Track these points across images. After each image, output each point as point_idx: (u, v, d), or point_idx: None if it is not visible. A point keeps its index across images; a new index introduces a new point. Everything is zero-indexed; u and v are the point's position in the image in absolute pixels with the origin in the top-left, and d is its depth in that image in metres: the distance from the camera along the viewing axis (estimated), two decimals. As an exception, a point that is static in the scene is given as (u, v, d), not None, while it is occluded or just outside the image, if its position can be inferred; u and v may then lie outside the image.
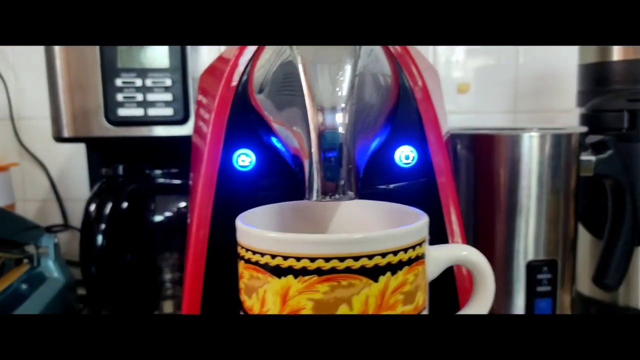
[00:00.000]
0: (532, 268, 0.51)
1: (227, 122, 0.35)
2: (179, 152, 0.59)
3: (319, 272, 0.25)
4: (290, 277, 0.26)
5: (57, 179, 0.83)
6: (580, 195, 0.53)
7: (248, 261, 0.28)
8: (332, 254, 0.25)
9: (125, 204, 0.55)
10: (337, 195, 0.28)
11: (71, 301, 0.66)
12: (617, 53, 0.59)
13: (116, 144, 0.58)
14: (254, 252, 0.27)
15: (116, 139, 0.56)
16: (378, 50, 0.34)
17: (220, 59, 0.40)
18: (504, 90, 0.82)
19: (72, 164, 0.83)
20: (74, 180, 0.83)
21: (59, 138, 0.56)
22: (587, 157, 0.53)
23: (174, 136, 0.57)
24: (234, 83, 0.35)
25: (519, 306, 0.51)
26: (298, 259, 0.26)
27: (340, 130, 0.28)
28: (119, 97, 0.55)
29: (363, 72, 0.30)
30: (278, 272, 0.26)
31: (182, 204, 0.59)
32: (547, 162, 0.50)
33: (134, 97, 0.55)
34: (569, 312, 0.53)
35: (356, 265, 0.25)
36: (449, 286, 0.35)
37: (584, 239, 0.60)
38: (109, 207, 0.53)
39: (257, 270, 0.27)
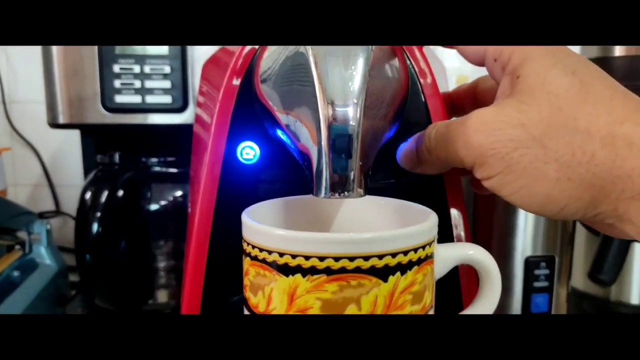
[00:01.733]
0: (530, 264, 0.51)
1: (232, 114, 0.34)
2: (176, 141, 0.58)
3: (328, 271, 0.25)
4: (299, 275, 0.25)
5: (49, 164, 0.82)
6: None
7: (255, 258, 0.27)
8: (342, 254, 0.25)
9: (121, 192, 0.54)
10: (346, 193, 0.28)
11: (62, 288, 0.66)
12: (619, 48, 0.59)
13: (113, 131, 0.57)
14: (261, 250, 0.27)
15: (113, 126, 0.55)
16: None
17: (224, 50, 0.39)
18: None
19: (65, 149, 0.82)
20: (66, 165, 0.82)
21: (54, 124, 0.55)
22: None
23: (172, 124, 0.56)
24: (240, 74, 0.34)
25: (515, 301, 0.51)
26: (307, 257, 0.25)
27: (351, 125, 0.28)
28: (117, 83, 0.54)
29: (375, 67, 0.30)
30: (286, 270, 0.26)
31: (179, 193, 0.59)
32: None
33: (131, 84, 0.54)
34: (565, 307, 0.54)
35: (366, 265, 0.25)
36: (453, 284, 0.35)
37: (579, 234, 0.60)
38: (104, 195, 0.52)
39: (263, 268, 0.27)
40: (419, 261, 0.27)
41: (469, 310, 0.31)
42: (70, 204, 0.82)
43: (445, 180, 0.35)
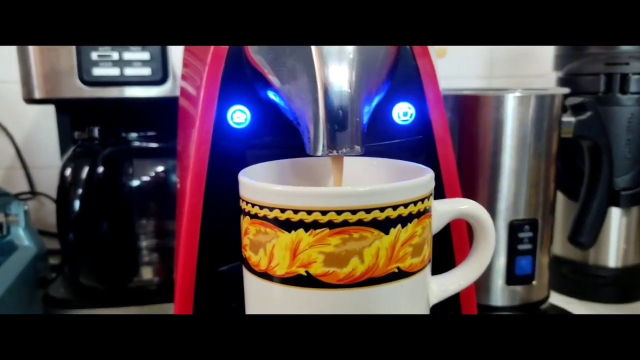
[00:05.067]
0: (514, 227, 0.52)
1: (222, 77, 0.34)
2: (156, 114, 0.57)
3: (330, 225, 0.25)
4: (301, 230, 0.25)
5: (22, 145, 0.80)
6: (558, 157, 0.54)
7: (255, 216, 0.27)
8: (344, 207, 0.25)
9: (101, 169, 0.53)
10: (344, 150, 0.28)
11: (43, 270, 0.64)
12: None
13: (90, 106, 0.56)
14: (262, 207, 0.26)
15: (91, 100, 0.54)
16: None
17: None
18: (479, 55, 0.83)
19: (38, 129, 0.80)
20: (40, 146, 0.80)
21: (30, 100, 0.54)
22: (567, 119, 0.53)
23: (151, 97, 0.55)
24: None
25: (500, 265, 0.52)
26: (309, 212, 0.25)
27: (348, 83, 0.28)
28: (94, 55, 0.52)
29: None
30: (288, 226, 0.26)
31: (160, 168, 0.58)
32: (530, 123, 0.51)
33: (109, 56, 0.53)
34: (547, 272, 0.55)
35: (368, 217, 0.25)
36: (445, 240, 0.35)
37: (558, 201, 0.61)
38: (85, 172, 0.51)
39: (264, 225, 0.27)
40: (419, 214, 0.27)
41: (465, 264, 0.31)
42: (46, 186, 0.80)
43: (436, 141, 0.36)
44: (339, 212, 0.25)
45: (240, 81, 0.34)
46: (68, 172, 0.52)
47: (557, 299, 0.61)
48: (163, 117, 0.58)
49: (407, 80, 0.35)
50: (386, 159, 0.33)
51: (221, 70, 0.33)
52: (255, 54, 0.32)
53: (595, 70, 0.59)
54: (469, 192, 0.52)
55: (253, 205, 0.27)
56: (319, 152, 0.28)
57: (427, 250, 0.29)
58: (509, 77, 0.83)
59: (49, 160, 0.79)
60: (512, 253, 0.52)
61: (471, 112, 0.51)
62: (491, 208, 0.52)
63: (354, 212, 0.25)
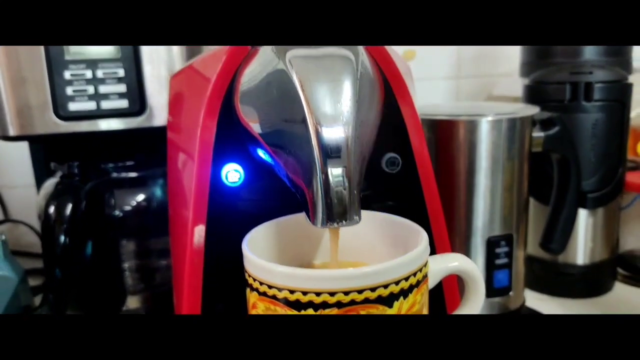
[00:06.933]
0: (491, 243, 0.54)
1: (215, 139, 0.34)
2: (133, 144, 0.57)
3: (338, 305, 0.26)
4: (310, 310, 0.27)
5: (-9, 166, 0.78)
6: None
7: (263, 294, 0.28)
8: (351, 288, 0.26)
9: (84, 204, 0.53)
10: (344, 222, 0.29)
11: (26, 298, 0.64)
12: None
13: (68, 140, 0.55)
14: (270, 287, 0.28)
15: (68, 135, 0.53)
16: (365, 60, 0.33)
17: (195, 70, 0.38)
18: (447, 57, 0.84)
19: (6, 150, 0.78)
20: (10, 167, 0.78)
21: (5, 137, 0.52)
22: (536, 133, 0.56)
23: (130, 129, 0.54)
24: (219, 97, 0.34)
25: (479, 277, 0.55)
26: (318, 294, 0.26)
27: (345, 155, 0.28)
28: (69, 90, 0.52)
29: (359, 88, 0.30)
30: (298, 306, 0.27)
31: (141, 197, 0.58)
32: (502, 144, 0.53)
33: (85, 90, 0.52)
34: (522, 281, 0.58)
35: (373, 295, 0.27)
36: (437, 291, 0.37)
37: (529, 204, 0.64)
38: (68, 209, 0.51)
39: (274, 304, 0.28)
40: (418, 283, 0.29)
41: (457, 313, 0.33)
42: (18, 207, 0.79)
43: (423, 190, 0.37)
44: (346, 293, 0.26)
45: (233, 140, 0.34)
46: (51, 209, 0.52)
47: (530, 296, 0.65)
48: (140, 146, 0.58)
49: (393, 130, 0.36)
50: (378, 213, 0.35)
51: (213, 134, 0.34)
52: (248, 118, 0.32)
53: (560, 79, 0.61)
54: (447, 212, 0.54)
55: (261, 283, 0.28)
56: (319, 225, 0.29)
57: (425, 313, 0.30)
58: (476, 77, 0.85)
59: (19, 181, 0.78)
60: (490, 268, 0.54)
61: (447, 135, 0.53)
62: (469, 226, 0.54)
63: (360, 291, 0.26)
